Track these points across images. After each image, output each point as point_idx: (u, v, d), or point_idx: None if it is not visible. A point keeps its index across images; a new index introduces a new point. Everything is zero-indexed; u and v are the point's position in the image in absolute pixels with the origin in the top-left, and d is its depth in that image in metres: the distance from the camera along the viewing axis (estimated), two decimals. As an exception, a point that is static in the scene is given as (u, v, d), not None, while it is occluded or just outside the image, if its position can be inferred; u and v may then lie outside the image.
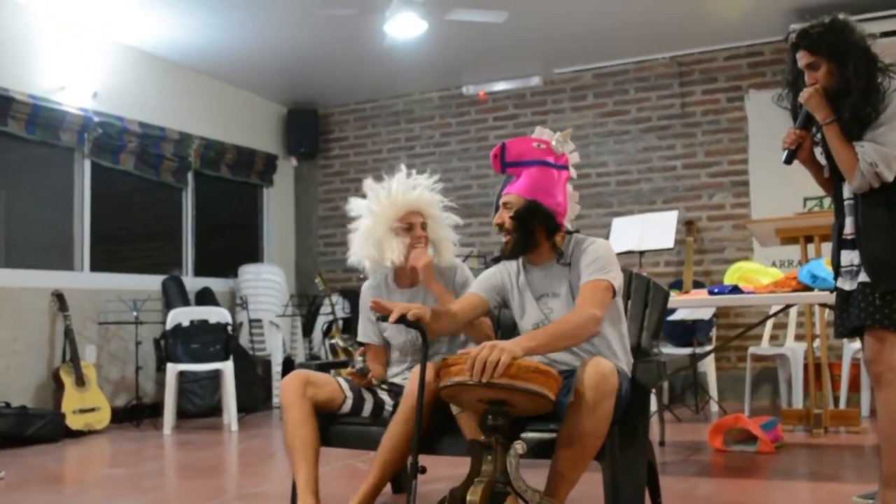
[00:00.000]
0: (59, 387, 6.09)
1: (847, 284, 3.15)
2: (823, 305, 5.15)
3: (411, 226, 3.34)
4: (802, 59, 3.10)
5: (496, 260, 3.09)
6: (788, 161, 3.22)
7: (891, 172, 2.94)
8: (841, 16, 3.07)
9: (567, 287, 2.91)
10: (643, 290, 3.29)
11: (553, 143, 2.96)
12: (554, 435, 2.63)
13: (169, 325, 6.51)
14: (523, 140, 2.95)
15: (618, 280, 2.84)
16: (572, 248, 2.94)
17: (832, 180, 3.22)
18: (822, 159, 3.27)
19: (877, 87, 2.99)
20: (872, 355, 3.02)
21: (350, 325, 7.17)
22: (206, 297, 7.63)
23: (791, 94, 3.25)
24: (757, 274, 4.70)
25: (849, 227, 3.12)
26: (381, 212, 3.32)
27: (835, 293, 3.28)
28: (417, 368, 2.76)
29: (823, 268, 4.21)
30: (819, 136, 3.19)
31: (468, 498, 2.41)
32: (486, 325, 3.30)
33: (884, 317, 2.97)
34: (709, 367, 6.82)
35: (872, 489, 3.24)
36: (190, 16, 6.51)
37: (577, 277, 2.86)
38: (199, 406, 6.91)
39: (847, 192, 3.12)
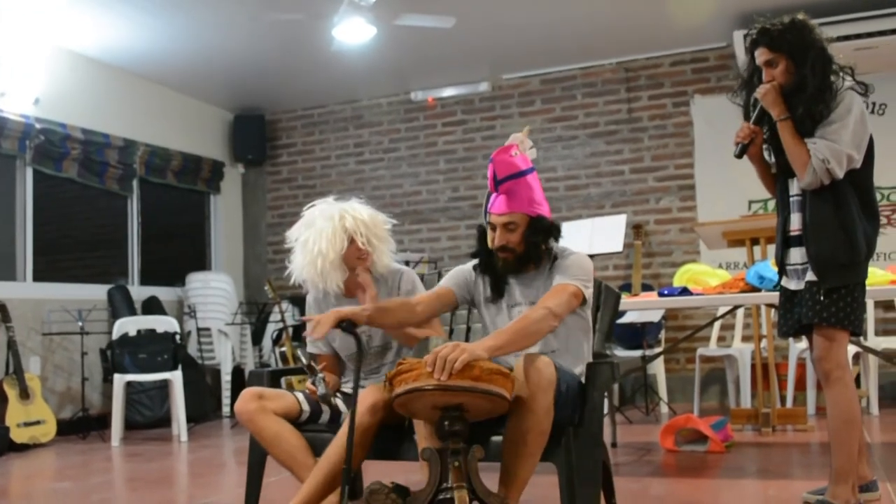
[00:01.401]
0: (2, 400, 5.93)
1: (792, 284, 3.21)
2: (770, 306, 5.26)
3: (354, 248, 3.29)
4: (761, 56, 3.16)
5: (477, 266, 3.04)
6: (740, 155, 3.27)
7: (841, 169, 3.00)
8: (800, 16, 3.14)
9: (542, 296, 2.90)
10: (595, 294, 3.30)
11: (519, 146, 2.96)
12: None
13: (115, 334, 6.39)
14: (503, 152, 2.91)
15: (588, 291, 2.86)
16: (556, 257, 2.94)
17: (779, 177, 3.27)
18: (768, 155, 3.33)
19: (830, 86, 3.06)
20: (821, 353, 3.07)
21: (300, 333, 7.11)
22: (152, 307, 7.51)
23: (745, 92, 3.30)
24: (705, 276, 4.77)
25: (795, 224, 3.18)
26: (319, 247, 3.24)
27: (779, 292, 3.34)
28: (369, 385, 2.76)
29: (770, 269, 4.28)
30: (768, 132, 3.25)
31: (457, 501, 2.39)
32: (437, 325, 3.31)
33: (830, 314, 3.03)
34: (658, 368, 6.90)
35: (821, 485, 3.30)
36: (133, 20, 6.41)
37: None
38: (147, 417, 6.80)
39: (794, 188, 3.18)
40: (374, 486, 2.59)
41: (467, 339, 3.48)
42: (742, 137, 3.24)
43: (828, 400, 3.11)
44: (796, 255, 3.19)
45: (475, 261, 3.05)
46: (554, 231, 2.93)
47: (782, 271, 3.29)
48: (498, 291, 2.99)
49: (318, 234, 3.25)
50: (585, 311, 2.95)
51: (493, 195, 2.93)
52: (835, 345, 3.06)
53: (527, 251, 2.90)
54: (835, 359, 3.06)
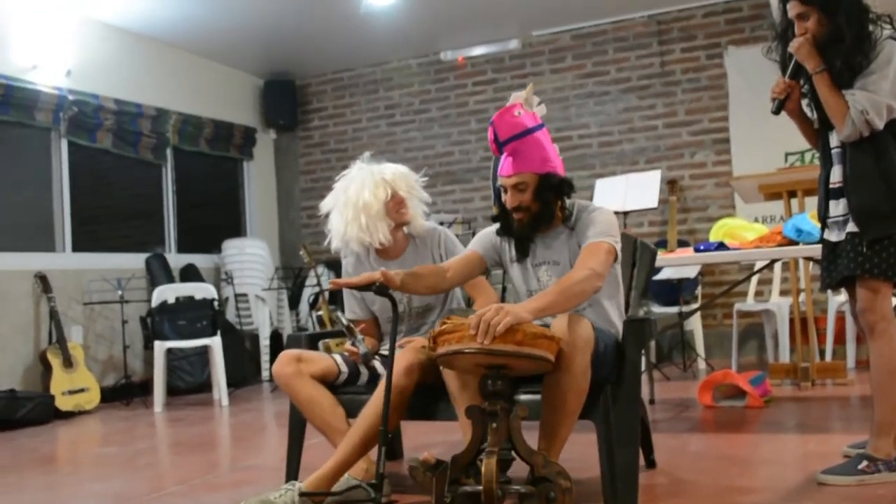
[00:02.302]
0: (46, 369, 6.06)
1: (834, 235, 3.17)
2: (808, 259, 5.18)
3: (396, 199, 3.35)
4: (793, 9, 3.09)
5: (500, 230, 3.03)
6: (777, 111, 3.21)
7: (881, 120, 2.94)
8: None
9: (567, 254, 2.89)
10: (630, 250, 3.29)
11: (524, 104, 2.92)
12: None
13: (154, 302, 6.48)
14: (505, 113, 2.88)
15: (618, 246, 2.84)
16: (577, 213, 2.92)
17: (820, 130, 3.22)
18: (809, 111, 3.27)
19: (868, 36, 2.98)
20: (865, 304, 3.04)
21: (336, 297, 7.16)
22: (190, 274, 7.59)
23: (780, 46, 3.24)
24: (742, 230, 4.72)
25: (836, 176, 3.12)
26: (363, 200, 3.29)
27: (821, 245, 3.30)
28: (409, 341, 2.77)
29: (808, 221, 4.23)
30: (807, 87, 3.19)
31: (483, 469, 2.39)
32: (492, 293, 3.35)
33: (873, 265, 2.99)
34: (695, 325, 6.86)
35: (862, 439, 3.28)
36: (162, -11, 6.41)
37: (578, 244, 2.84)
38: (188, 382, 6.91)
39: (834, 141, 3.12)
40: (412, 461, 2.61)
41: (502, 300, 3.47)
42: (778, 93, 3.18)
43: (872, 352, 3.08)
44: (837, 207, 3.14)
45: (498, 224, 3.04)
46: (565, 187, 2.89)
47: (824, 224, 3.25)
48: (523, 251, 2.98)
49: (359, 188, 3.30)
50: (616, 267, 2.94)
51: (501, 157, 2.90)
52: (879, 296, 3.02)
53: (540, 210, 2.87)
54: (880, 310, 3.02)
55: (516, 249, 3.00)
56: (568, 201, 2.92)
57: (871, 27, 3.00)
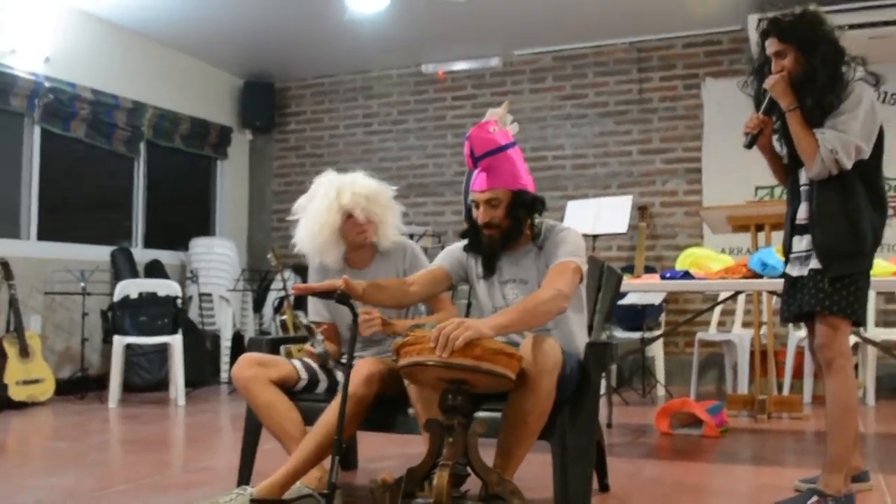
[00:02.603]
0: (1, 357, 5.97)
1: (795, 270, 3.21)
2: (772, 293, 5.25)
3: (352, 222, 3.29)
4: (771, 46, 3.14)
5: (469, 246, 3.02)
6: (749, 145, 3.27)
7: (849, 160, 2.99)
8: (812, 7, 3.12)
9: (535, 273, 2.90)
10: (597, 274, 3.31)
11: (499, 121, 2.94)
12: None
13: (117, 296, 6.40)
14: (481, 128, 2.89)
15: (584, 267, 2.85)
16: (545, 233, 2.93)
17: (789, 167, 3.27)
18: (779, 147, 3.32)
19: (841, 77, 3.05)
20: (824, 340, 3.08)
21: (302, 302, 7.12)
22: (155, 270, 7.52)
23: (756, 81, 3.29)
24: (708, 260, 4.76)
25: (802, 213, 3.18)
26: (318, 222, 3.27)
27: (783, 279, 3.34)
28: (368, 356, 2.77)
29: (773, 256, 4.27)
30: (779, 123, 3.24)
31: (435, 482, 2.38)
32: (452, 309, 3.32)
33: (833, 303, 3.03)
34: (657, 351, 6.91)
35: (814, 474, 3.31)
36: (145, -18, 6.38)
37: (546, 264, 2.85)
38: (145, 380, 6.83)
39: (803, 178, 3.18)
40: (373, 484, 2.60)
41: (467, 315, 3.48)
42: (751, 128, 3.24)
43: (827, 388, 3.12)
44: (801, 243, 3.19)
45: (466, 240, 3.03)
46: (537, 204, 2.90)
47: (787, 259, 3.29)
48: (490, 269, 2.98)
49: (316, 209, 3.27)
50: (581, 287, 2.95)
51: (474, 172, 2.91)
52: (838, 333, 3.06)
53: (511, 226, 2.88)
54: (837, 347, 3.06)
55: (483, 266, 3.00)
56: (538, 220, 2.93)
57: (844, 68, 3.06)
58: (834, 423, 3.09)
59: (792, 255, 3.24)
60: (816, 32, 3.06)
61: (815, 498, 3.03)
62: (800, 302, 3.17)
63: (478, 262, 3.02)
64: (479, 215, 2.89)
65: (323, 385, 3.18)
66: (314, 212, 3.28)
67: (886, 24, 6.15)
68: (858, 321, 3.09)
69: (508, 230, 2.88)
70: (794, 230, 3.23)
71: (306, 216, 3.32)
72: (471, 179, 2.95)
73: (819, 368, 3.27)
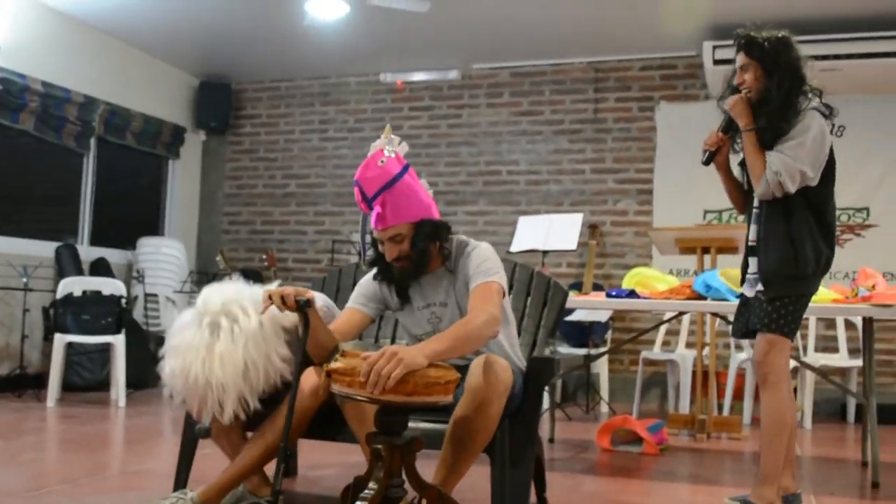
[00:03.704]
0: (-63, 351, 5.84)
1: (748, 290, 3.33)
2: (715, 315, 5.33)
3: None
4: (740, 59, 3.26)
5: (380, 275, 2.95)
6: (707, 162, 3.38)
7: (793, 184, 3.09)
8: (784, 33, 3.22)
9: (453, 294, 2.88)
10: (543, 289, 3.33)
11: (386, 150, 2.82)
12: (445, 426, 2.64)
13: (60, 293, 6.29)
14: (367, 167, 2.79)
15: (504, 282, 2.82)
16: (455, 253, 2.90)
17: (748, 189, 3.37)
18: (739, 170, 3.41)
19: (794, 105, 3.15)
20: (760, 357, 3.19)
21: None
22: (100, 268, 7.41)
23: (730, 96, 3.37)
24: (654, 280, 4.82)
25: (752, 235, 3.29)
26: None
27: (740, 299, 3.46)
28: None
29: (718, 279, 4.34)
30: (740, 143, 3.33)
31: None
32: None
33: (771, 321, 3.14)
34: (602, 368, 6.97)
35: (744, 492, 3.38)
36: (103, -24, 6.30)
37: (464, 284, 2.82)
38: (86, 379, 6.72)
39: (756, 200, 3.27)
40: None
41: (394, 336, 3.48)
42: (710, 145, 3.35)
43: (762, 402, 3.21)
44: (753, 264, 3.28)
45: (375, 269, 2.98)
46: (442, 231, 2.84)
47: (743, 278, 3.40)
48: (403, 298, 2.95)
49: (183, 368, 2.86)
50: (504, 302, 2.92)
51: (372, 213, 2.81)
52: (774, 350, 3.16)
53: (420, 257, 2.82)
54: (774, 364, 3.16)
55: (397, 296, 2.96)
56: (446, 244, 2.89)
57: (800, 97, 3.15)
58: (766, 436, 3.19)
59: (747, 275, 3.35)
60: (780, 57, 3.16)
61: None
62: (747, 319, 3.29)
63: (392, 291, 2.97)
64: (386, 252, 2.83)
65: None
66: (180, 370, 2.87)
67: (837, 57, 6.31)
68: (788, 337, 3.18)
69: (418, 260, 2.82)
70: (748, 251, 3.33)
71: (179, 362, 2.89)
72: (368, 219, 2.87)
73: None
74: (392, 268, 2.87)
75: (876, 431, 4.08)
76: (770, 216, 3.19)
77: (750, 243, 3.31)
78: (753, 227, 3.28)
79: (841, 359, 6.56)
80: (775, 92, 3.13)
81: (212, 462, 3.17)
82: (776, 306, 3.14)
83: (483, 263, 2.80)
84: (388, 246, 2.82)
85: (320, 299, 3.07)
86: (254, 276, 7.89)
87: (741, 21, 3.37)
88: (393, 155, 2.81)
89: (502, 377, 2.55)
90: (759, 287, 3.22)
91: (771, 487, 3.15)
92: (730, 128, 3.32)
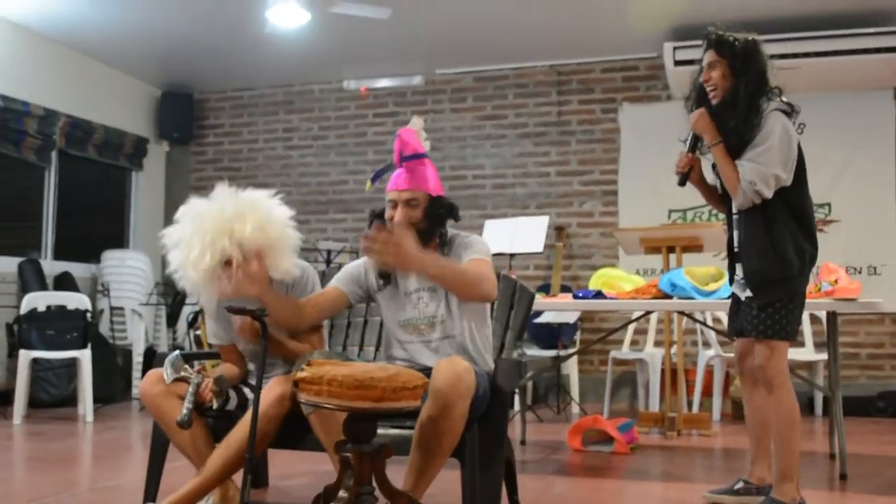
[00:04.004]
0: None
1: (739, 291, 3.38)
2: (681, 313, 5.38)
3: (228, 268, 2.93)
4: (708, 56, 3.29)
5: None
6: (682, 183, 3.45)
7: (769, 189, 3.13)
8: (754, 36, 3.27)
9: None
10: (510, 292, 3.34)
11: (417, 133, 3.02)
12: (413, 431, 2.64)
13: (23, 309, 6.21)
14: (410, 132, 2.97)
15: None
16: (451, 240, 2.99)
17: (724, 196, 3.41)
18: (714, 177, 3.44)
19: (757, 108, 3.19)
20: (763, 362, 3.24)
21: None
22: (65, 282, 7.32)
23: (696, 102, 3.40)
24: (620, 280, 4.85)
25: (735, 241, 3.34)
26: (192, 257, 2.96)
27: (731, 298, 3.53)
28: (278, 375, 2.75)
29: (683, 277, 4.38)
30: (708, 150, 3.37)
31: None
32: (316, 339, 3.10)
33: (767, 328, 3.19)
34: (572, 369, 7.00)
35: (720, 486, 3.49)
36: (61, -12, 6.24)
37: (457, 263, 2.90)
38: (53, 395, 6.63)
39: (735, 207, 3.31)
40: None
41: (362, 336, 3.48)
42: (681, 167, 3.41)
43: (772, 405, 3.26)
44: (739, 269, 3.34)
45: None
46: (454, 211, 2.98)
47: (731, 280, 3.46)
48: (385, 277, 3.01)
49: (187, 249, 2.99)
50: (484, 304, 3.02)
51: (395, 172, 2.97)
52: (775, 353, 3.21)
53: (427, 228, 2.91)
54: (776, 366, 3.22)
55: (380, 275, 3.01)
56: (449, 230, 3.00)
57: (762, 100, 3.19)
58: (780, 436, 3.24)
59: (735, 279, 3.40)
60: (750, 59, 3.21)
61: None
62: (742, 323, 3.34)
63: (376, 274, 3.03)
64: (397, 215, 2.91)
65: (233, 402, 3.14)
66: (184, 253, 2.99)
67: (795, 55, 6.39)
68: (790, 338, 3.24)
69: (424, 231, 2.89)
70: (734, 257, 3.38)
71: (182, 248, 3.01)
72: (388, 179, 2.98)
73: (746, 384, 3.49)
74: None
75: (842, 424, 4.13)
76: (748, 222, 3.23)
77: (736, 249, 3.36)
78: (735, 234, 3.34)
79: (807, 353, 6.64)
80: (742, 93, 3.16)
81: (181, 475, 3.15)
82: (769, 312, 3.18)
83: (476, 245, 2.93)
84: (402, 209, 2.91)
85: (298, 268, 3.12)
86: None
87: (701, 22, 3.42)
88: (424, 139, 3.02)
89: (465, 378, 2.57)
90: (748, 293, 3.27)
91: (791, 484, 3.20)
92: (696, 146, 3.36)
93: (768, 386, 3.24)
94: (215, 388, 3.00)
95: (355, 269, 3.08)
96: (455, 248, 2.96)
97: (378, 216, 3.01)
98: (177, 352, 3.14)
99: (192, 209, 3.07)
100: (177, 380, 2.99)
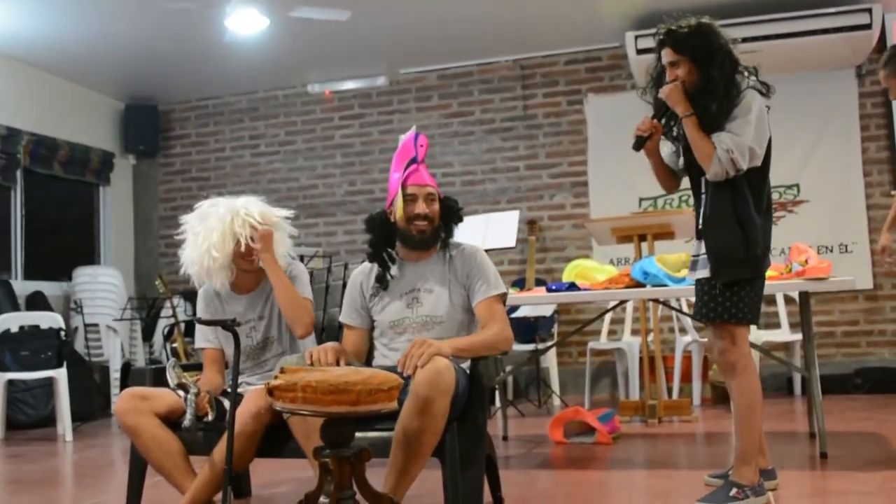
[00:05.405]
0: None
1: (691, 274, 3.37)
2: (656, 301, 5.40)
3: (238, 247, 3.30)
4: (666, 56, 3.27)
5: (371, 256, 3.16)
6: (637, 147, 3.36)
7: (745, 161, 3.11)
8: (706, 19, 3.25)
9: (446, 286, 3.03)
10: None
11: None
12: (392, 433, 2.64)
13: (-4, 331, 6.15)
14: (424, 138, 3.15)
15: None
16: (453, 248, 3.11)
17: (691, 174, 3.38)
18: (676, 158, 3.45)
19: (736, 84, 3.19)
20: (725, 347, 3.23)
21: (192, 329, 6.98)
22: (37, 302, 7.25)
23: (654, 90, 3.39)
24: (593, 271, 4.86)
25: (700, 219, 3.31)
26: (208, 246, 3.26)
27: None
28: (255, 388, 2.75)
29: (655, 265, 4.40)
30: (676, 131, 3.35)
31: None
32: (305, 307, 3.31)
33: (726, 311, 3.17)
34: (551, 362, 7.02)
35: (720, 470, 3.50)
36: (19, 4, 6.16)
37: (465, 277, 3.05)
38: (30, 416, 6.56)
39: (703, 185, 3.29)
40: None
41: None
42: (642, 130, 3.34)
43: (734, 388, 3.26)
44: (700, 247, 3.30)
45: (362, 266, 3.20)
46: (460, 212, 3.18)
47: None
48: (381, 281, 3.11)
49: (208, 232, 3.25)
50: None
51: (413, 167, 3.09)
52: (738, 338, 3.21)
53: (441, 224, 3.09)
54: (739, 351, 3.21)
55: (377, 279, 3.11)
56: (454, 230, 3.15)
57: (738, 77, 3.20)
58: (742, 419, 3.24)
59: (692, 257, 3.38)
60: (711, 44, 3.18)
61: (734, 490, 3.17)
62: (698, 306, 3.30)
63: (366, 277, 3.14)
64: (419, 206, 3.04)
65: (211, 415, 3.12)
66: (205, 235, 3.26)
67: (755, 38, 6.43)
68: (753, 323, 3.23)
69: (438, 226, 3.08)
70: (697, 234, 3.35)
71: (196, 239, 3.29)
72: (403, 172, 3.09)
73: (722, 370, 3.40)
74: (409, 231, 3.06)
75: (820, 403, 4.15)
76: (715, 199, 3.19)
77: (700, 227, 3.31)
78: (700, 211, 3.29)
79: (783, 333, 6.70)
80: (720, 79, 3.14)
81: (163, 491, 3.13)
82: (732, 292, 3.15)
83: (487, 273, 3.06)
84: (425, 202, 3.06)
85: (286, 258, 3.43)
86: (194, 297, 7.80)
87: (661, 9, 3.41)
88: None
89: (445, 375, 2.59)
90: (700, 274, 3.24)
91: (750, 467, 3.21)
92: (662, 114, 3.34)
93: (731, 370, 3.24)
94: (211, 400, 3.02)
95: (353, 293, 3.19)
96: (461, 261, 3.07)
97: (376, 220, 3.15)
98: (174, 359, 3.30)
99: (198, 211, 3.38)
100: (177, 385, 3.03)
